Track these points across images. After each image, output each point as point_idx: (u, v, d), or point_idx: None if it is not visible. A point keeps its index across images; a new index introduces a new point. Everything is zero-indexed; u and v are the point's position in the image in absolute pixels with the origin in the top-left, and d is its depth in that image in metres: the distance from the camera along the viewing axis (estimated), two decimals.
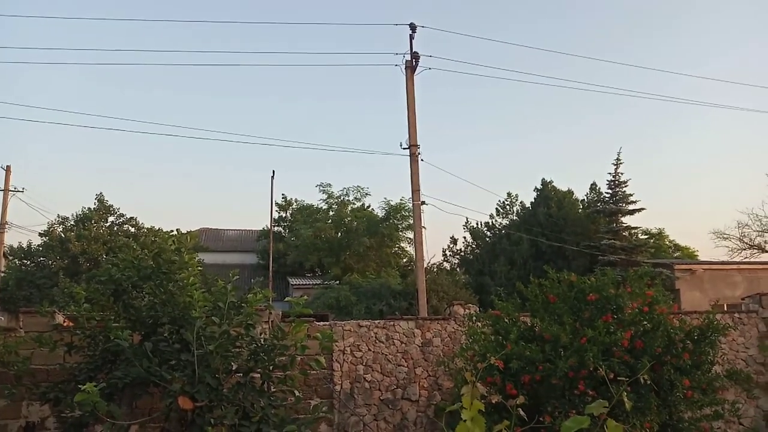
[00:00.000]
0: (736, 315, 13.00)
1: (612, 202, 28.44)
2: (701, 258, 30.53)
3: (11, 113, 58.40)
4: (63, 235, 28.78)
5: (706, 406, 7.73)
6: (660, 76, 69.79)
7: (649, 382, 6.87)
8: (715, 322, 7.91)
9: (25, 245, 29.55)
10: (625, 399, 2.84)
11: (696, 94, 63.49)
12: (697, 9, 62.28)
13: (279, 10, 63.85)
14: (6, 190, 28.00)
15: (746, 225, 31.25)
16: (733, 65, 58.18)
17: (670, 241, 33.04)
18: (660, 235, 32.09)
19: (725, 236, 31.50)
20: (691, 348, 7.63)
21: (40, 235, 29.42)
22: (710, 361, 7.84)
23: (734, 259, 30.06)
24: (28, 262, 29.06)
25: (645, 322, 7.75)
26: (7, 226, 28.04)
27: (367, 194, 31.38)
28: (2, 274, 27.52)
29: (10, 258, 29.75)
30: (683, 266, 23.63)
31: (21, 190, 28.65)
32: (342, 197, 31.28)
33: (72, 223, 29.70)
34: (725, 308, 15.72)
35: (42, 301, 8.45)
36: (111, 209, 30.73)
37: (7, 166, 28.27)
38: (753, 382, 10.25)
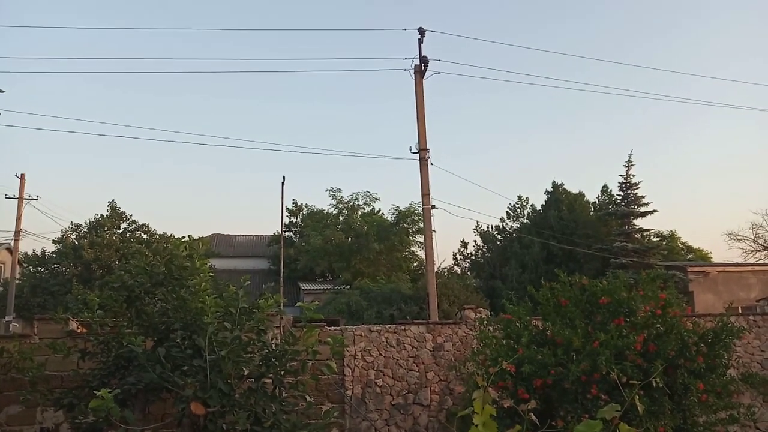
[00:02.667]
0: (751, 317, 12.87)
1: (624, 204, 28.25)
2: (715, 260, 30.24)
3: (25, 122, 59.14)
4: (76, 242, 29.06)
5: (721, 410, 7.63)
6: (671, 77, 69.38)
7: (662, 385, 6.80)
8: (730, 325, 7.82)
9: (39, 252, 29.89)
10: (638, 403, 2.82)
11: (707, 95, 63.06)
12: (710, 10, 61.92)
13: (289, 16, 64.25)
14: (20, 198, 28.30)
15: (760, 226, 31.00)
16: (743, 67, 57.73)
17: (683, 243, 32.75)
18: (672, 237, 31.81)
19: (739, 238, 31.26)
20: (705, 351, 7.54)
21: (54, 242, 29.75)
22: (725, 364, 7.75)
23: (748, 261, 29.78)
24: (43, 270, 29.36)
25: (658, 325, 7.68)
26: (21, 233, 28.33)
27: (376, 199, 31.47)
28: (17, 282, 27.80)
29: (25, 265, 30.07)
30: (696, 268, 23.45)
31: (35, 197, 28.97)
32: (352, 202, 31.37)
33: (85, 230, 30.00)
34: (740, 310, 15.58)
35: (56, 308, 8.53)
36: (123, 216, 31.01)
37: (22, 174, 28.61)
38: None
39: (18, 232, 28.17)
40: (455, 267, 33.73)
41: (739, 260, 29.85)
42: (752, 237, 31.11)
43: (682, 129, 61.19)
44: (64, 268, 28.65)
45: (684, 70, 66.00)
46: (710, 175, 59.85)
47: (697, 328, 7.95)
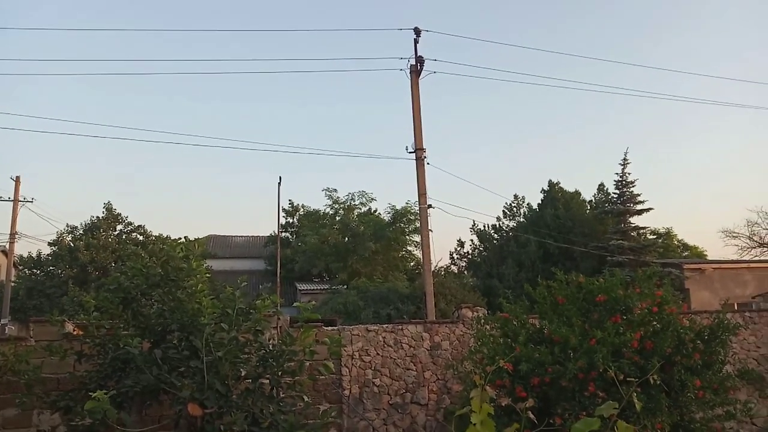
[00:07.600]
0: (747, 314, 12.91)
1: (620, 203, 28.35)
2: (710, 257, 30.35)
3: (19, 124, 58.98)
4: (72, 245, 28.98)
5: (717, 406, 7.65)
6: (668, 76, 69.62)
7: (659, 382, 6.82)
8: (726, 322, 7.84)
9: (34, 255, 29.79)
10: (636, 400, 2.83)
11: (703, 93, 63.25)
12: (709, 10, 62.14)
13: (285, 16, 64.20)
14: (15, 201, 28.24)
15: (756, 223, 31.14)
16: (742, 65, 57.96)
17: (679, 241, 32.88)
18: (668, 234, 31.92)
19: (734, 235, 31.38)
20: (701, 348, 7.57)
21: (50, 244, 29.66)
22: (721, 360, 7.77)
23: (744, 258, 29.91)
24: (38, 272, 29.27)
25: (654, 323, 7.69)
26: (17, 236, 28.26)
27: (373, 199, 31.48)
28: (13, 284, 27.71)
29: (20, 268, 29.97)
30: (692, 266, 23.51)
31: (30, 200, 28.92)
32: (348, 202, 31.36)
33: (81, 232, 29.91)
34: (736, 307, 15.62)
35: (52, 310, 8.48)
36: (119, 218, 30.93)
37: (17, 176, 28.56)
38: (765, 381, 10.16)
39: (13, 235, 28.10)
40: (452, 266, 33.83)
41: (735, 257, 29.99)
42: (747, 234, 31.25)
43: (678, 127, 61.45)
44: (59, 271, 28.57)
45: (680, 68, 66.23)
46: (706, 172, 60.11)
47: (694, 325, 7.98)
